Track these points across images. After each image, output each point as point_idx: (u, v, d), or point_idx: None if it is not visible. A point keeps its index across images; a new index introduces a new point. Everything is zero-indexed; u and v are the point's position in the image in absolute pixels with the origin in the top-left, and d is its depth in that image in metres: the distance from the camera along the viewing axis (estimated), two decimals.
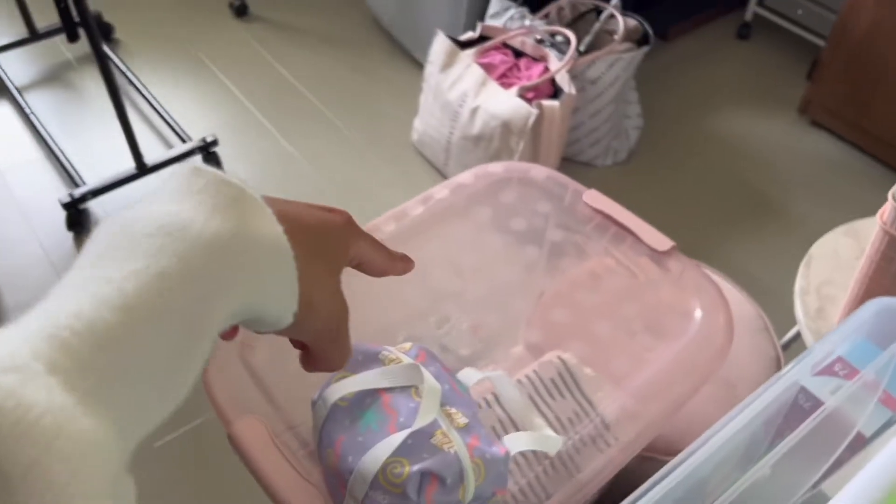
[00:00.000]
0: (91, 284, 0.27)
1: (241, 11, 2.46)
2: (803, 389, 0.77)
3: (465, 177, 0.96)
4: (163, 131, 2.04)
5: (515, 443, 0.64)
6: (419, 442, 0.57)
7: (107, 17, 2.32)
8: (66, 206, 1.73)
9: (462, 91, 1.75)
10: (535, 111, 1.64)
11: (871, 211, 1.03)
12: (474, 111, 1.73)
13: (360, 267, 0.44)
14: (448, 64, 1.80)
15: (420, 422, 0.57)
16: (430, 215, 0.90)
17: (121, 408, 0.26)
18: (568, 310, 0.88)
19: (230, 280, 0.31)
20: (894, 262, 0.91)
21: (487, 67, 1.78)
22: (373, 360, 0.64)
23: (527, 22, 1.86)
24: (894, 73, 1.84)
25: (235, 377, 0.69)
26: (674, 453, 0.58)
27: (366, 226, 0.88)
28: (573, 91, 1.71)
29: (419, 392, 0.60)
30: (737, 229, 1.86)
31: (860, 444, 0.76)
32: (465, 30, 1.95)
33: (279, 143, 2.05)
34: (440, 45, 1.81)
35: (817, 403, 0.78)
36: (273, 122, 2.10)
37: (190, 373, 0.30)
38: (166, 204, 0.32)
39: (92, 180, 1.79)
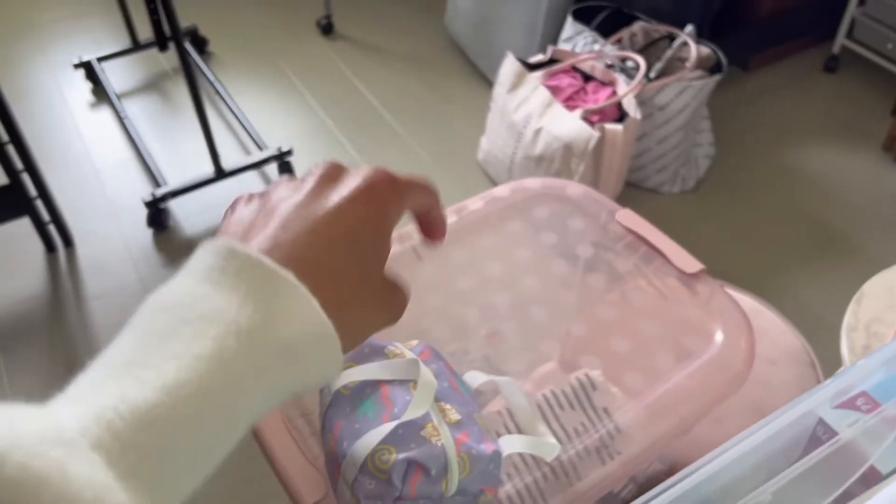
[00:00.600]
0: (135, 368, 0.30)
1: (327, 30, 2.57)
2: (821, 421, 0.75)
3: (502, 190, 0.99)
4: (243, 139, 2.15)
5: (510, 444, 0.66)
6: (409, 433, 0.60)
7: (203, 32, 2.47)
8: (147, 204, 1.85)
9: (527, 112, 1.78)
10: (596, 134, 1.64)
11: None
12: (537, 132, 1.75)
13: (416, 216, 0.43)
14: (516, 85, 1.83)
15: (411, 413, 0.60)
16: (462, 225, 0.93)
17: (158, 483, 0.28)
18: (591, 326, 0.89)
19: (264, 364, 0.32)
20: None
21: (554, 90, 1.79)
22: (378, 353, 0.67)
23: (597, 46, 1.87)
24: None
25: None
26: None
27: (397, 231, 0.92)
28: (638, 116, 1.71)
29: (416, 386, 0.63)
30: (804, 265, 1.80)
31: (875, 479, 0.74)
32: (538, 53, 1.98)
33: (350, 155, 2.12)
34: (509, 66, 1.85)
35: (834, 436, 0.76)
36: (346, 135, 2.18)
37: (224, 450, 0.32)
38: (202, 284, 0.33)
39: (173, 181, 1.91)
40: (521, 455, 0.70)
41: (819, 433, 0.78)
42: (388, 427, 0.59)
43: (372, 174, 0.38)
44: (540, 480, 0.68)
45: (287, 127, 2.21)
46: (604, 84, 1.83)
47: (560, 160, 1.72)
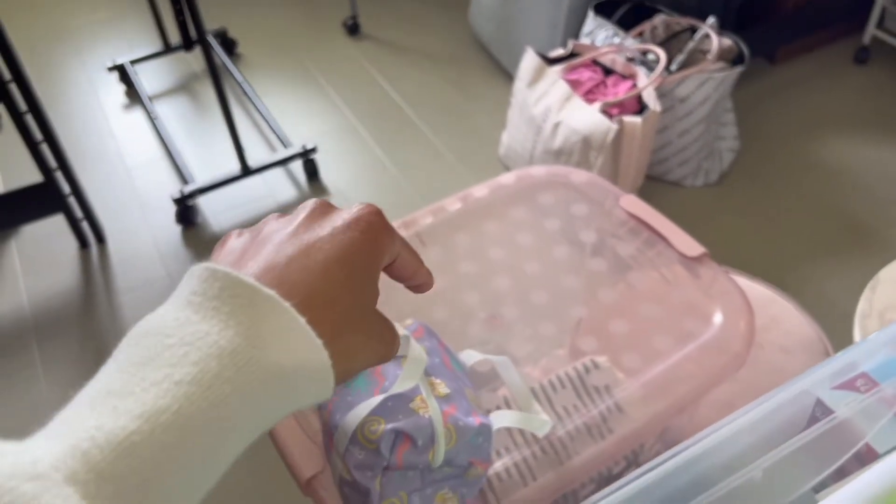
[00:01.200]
0: (113, 398, 0.29)
1: (353, 30, 2.60)
2: (819, 402, 0.75)
3: (507, 178, 1.00)
4: (269, 137, 2.19)
5: (501, 419, 0.67)
6: (398, 405, 0.61)
7: (232, 33, 2.52)
8: (176, 201, 1.90)
9: (546, 106, 1.78)
10: (615, 126, 1.64)
11: None
12: (556, 126, 1.75)
13: (390, 268, 0.41)
14: (535, 79, 1.84)
15: (399, 387, 0.61)
16: (467, 211, 0.95)
17: None
18: (593, 309, 0.89)
19: (249, 386, 0.31)
20: None
21: (574, 83, 1.80)
22: None
23: (616, 40, 1.87)
24: None
25: None
26: None
27: (403, 218, 0.94)
28: (658, 108, 1.71)
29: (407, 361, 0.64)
30: (827, 257, 1.77)
31: (871, 458, 0.73)
32: (560, 48, 1.98)
33: (375, 152, 2.15)
34: (529, 61, 1.85)
35: (830, 414, 0.76)
36: (371, 133, 2.21)
37: (214, 473, 0.31)
38: (184, 310, 0.32)
39: (201, 179, 1.95)
40: (516, 433, 0.71)
41: (817, 413, 0.77)
42: (377, 399, 0.61)
43: (365, 208, 0.38)
44: (530, 458, 0.69)
45: (312, 126, 2.25)
46: (624, 77, 1.83)
47: (579, 153, 1.73)
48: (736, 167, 2.02)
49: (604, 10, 1.98)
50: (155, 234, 1.93)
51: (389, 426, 0.59)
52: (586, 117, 1.70)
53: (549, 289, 0.88)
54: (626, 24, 1.94)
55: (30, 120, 1.66)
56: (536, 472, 0.69)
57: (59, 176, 1.78)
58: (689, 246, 0.88)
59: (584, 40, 1.99)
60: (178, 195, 1.89)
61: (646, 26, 1.92)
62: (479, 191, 0.97)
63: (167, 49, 2.44)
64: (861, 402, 0.76)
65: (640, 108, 1.75)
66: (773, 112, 2.18)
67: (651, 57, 1.83)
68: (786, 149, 2.06)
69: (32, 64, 2.45)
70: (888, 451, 0.75)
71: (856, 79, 2.27)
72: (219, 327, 0.31)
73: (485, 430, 0.63)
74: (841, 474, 0.72)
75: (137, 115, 2.31)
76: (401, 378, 0.62)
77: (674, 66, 1.81)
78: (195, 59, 2.49)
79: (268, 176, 2.05)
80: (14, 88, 1.60)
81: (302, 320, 0.33)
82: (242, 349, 0.31)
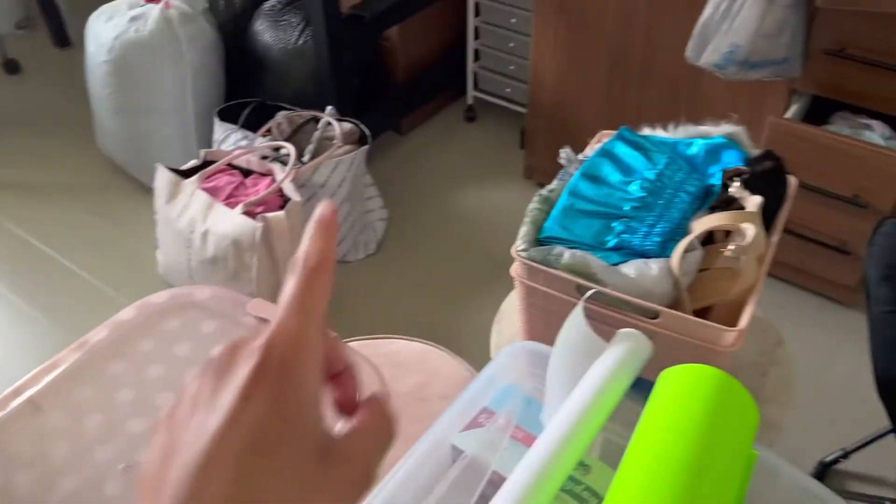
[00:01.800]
0: None
1: None
2: (454, 448, 0.82)
3: (126, 312, 0.97)
4: None
5: None
6: None
7: None
8: None
9: (190, 218, 1.77)
10: (259, 225, 1.68)
11: None
12: (205, 235, 1.74)
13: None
14: (173, 195, 1.81)
15: None
16: (88, 359, 0.90)
17: None
18: None
19: None
20: (538, 307, 1.01)
21: (213, 191, 1.81)
22: None
23: (245, 142, 1.92)
24: (583, 131, 2.08)
25: None
26: None
27: (13, 387, 0.86)
28: (299, 199, 1.78)
29: None
30: (481, 296, 1.98)
31: (501, 482, 0.82)
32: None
33: (14, 304, 1.94)
34: (162, 177, 1.83)
35: (460, 454, 0.84)
36: (8, 287, 2.00)
37: None
38: None
39: None
40: None
41: (454, 457, 0.85)
42: None
43: (263, 347, 0.30)
44: None
45: None
46: (263, 175, 1.88)
47: (234, 257, 1.73)
48: (390, 234, 2.17)
49: (228, 116, 2.03)
50: None
51: None
52: (231, 221, 1.71)
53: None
54: (253, 124, 2.01)
55: None
56: None
57: None
58: None
59: (219, 147, 2.02)
60: None
61: (272, 124, 2.00)
62: (98, 333, 0.93)
63: None
64: (484, 436, 0.85)
65: (283, 202, 1.81)
66: (410, 177, 2.39)
67: (283, 152, 1.91)
68: (427, 207, 2.27)
69: None
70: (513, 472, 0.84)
71: (469, 135, 2.59)
72: None
73: None
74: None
75: None
76: None
77: (306, 157, 1.91)
78: None
79: None
80: None
81: None
82: None
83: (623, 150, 1.02)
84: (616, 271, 0.89)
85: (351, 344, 1.28)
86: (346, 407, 0.34)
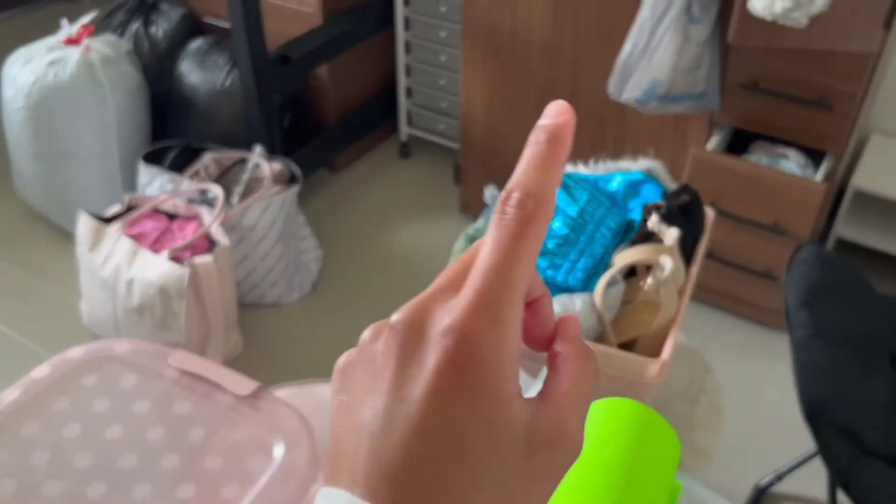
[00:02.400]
0: None
1: None
2: None
3: (41, 370, 0.92)
4: None
5: None
6: None
7: None
8: None
9: (115, 266, 1.71)
10: (186, 270, 1.64)
11: None
12: (130, 283, 1.69)
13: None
14: (96, 242, 1.76)
15: None
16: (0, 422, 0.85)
17: None
18: (155, 483, 0.86)
19: None
20: None
21: (138, 237, 1.76)
22: None
23: (170, 186, 1.88)
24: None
25: None
26: None
27: None
28: (227, 242, 1.75)
29: None
30: None
31: None
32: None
33: None
34: (84, 224, 1.77)
35: None
36: None
37: None
38: None
39: None
40: None
41: None
42: None
43: (458, 331, 0.26)
44: None
45: None
46: (189, 219, 1.84)
47: (161, 305, 1.68)
48: (325, 274, 2.15)
49: (154, 159, 1.98)
50: None
51: None
52: (157, 268, 1.67)
53: (106, 477, 0.82)
54: (180, 167, 1.97)
55: None
56: None
57: None
58: (242, 385, 0.90)
59: (146, 191, 1.97)
60: None
61: (199, 166, 1.96)
62: (10, 394, 0.88)
63: None
64: None
65: (211, 245, 1.77)
66: (345, 215, 2.37)
67: (211, 194, 1.87)
68: (363, 245, 2.26)
69: None
70: None
71: (404, 171, 2.59)
72: None
73: None
74: None
75: None
76: None
77: (234, 199, 1.88)
78: None
79: None
80: None
81: None
82: None
83: None
84: None
85: (286, 390, 1.25)
86: (539, 341, 0.30)
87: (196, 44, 2.27)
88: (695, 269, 0.96)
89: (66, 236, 2.22)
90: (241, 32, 1.92)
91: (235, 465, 0.83)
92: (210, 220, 1.78)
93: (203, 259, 1.67)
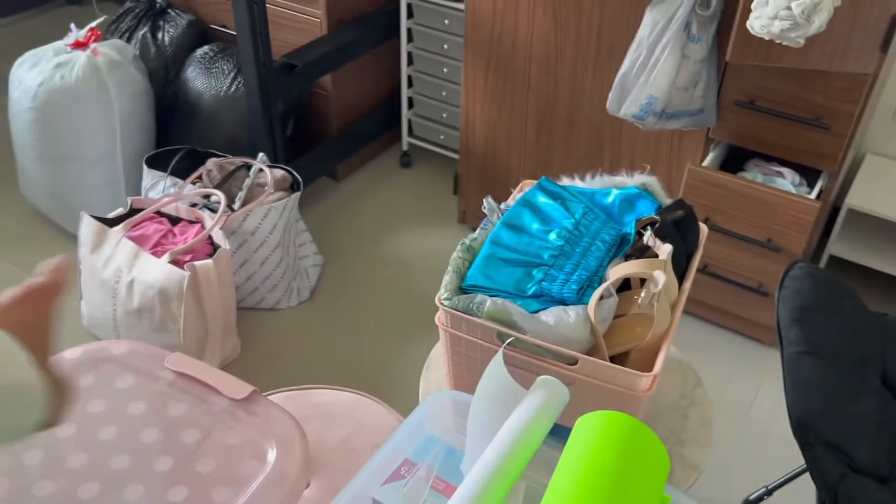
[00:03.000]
0: None
1: None
2: (375, 502, 0.81)
3: None
4: None
5: None
6: None
7: None
8: None
9: (116, 268, 1.73)
10: (187, 273, 1.65)
11: None
12: (130, 285, 1.70)
13: None
14: (98, 244, 1.77)
15: None
16: None
17: None
18: (147, 485, 0.87)
19: None
20: (462, 355, 1.02)
21: (140, 239, 1.77)
22: None
23: (174, 189, 1.90)
24: (513, 177, 2.12)
25: None
26: None
27: None
28: (227, 246, 1.76)
29: None
30: (414, 345, 1.98)
31: None
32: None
33: None
34: (87, 226, 1.79)
35: None
36: None
37: None
38: None
39: None
40: None
41: None
42: None
43: None
44: None
45: None
46: (192, 223, 1.86)
47: (160, 307, 1.69)
48: (324, 280, 2.16)
49: (158, 163, 2.00)
50: None
51: None
52: (157, 270, 1.68)
53: (98, 477, 0.83)
54: (183, 171, 1.99)
55: None
56: None
57: None
58: (237, 388, 0.91)
59: (149, 195, 1.99)
60: None
61: (202, 171, 1.98)
62: None
63: None
64: (405, 488, 0.85)
65: (212, 250, 1.79)
66: (345, 222, 2.39)
67: (213, 199, 1.89)
68: (363, 253, 2.28)
69: None
70: None
71: (405, 180, 2.61)
72: None
73: None
74: None
75: None
76: None
77: (236, 204, 1.90)
78: None
79: None
80: None
81: None
82: None
83: (542, 200, 1.05)
84: (536, 319, 0.91)
85: (281, 395, 1.27)
86: None
87: (202, 50, 2.30)
88: (688, 283, 0.97)
89: (69, 238, 2.24)
90: (247, 40, 1.94)
91: (228, 468, 0.84)
92: (211, 224, 1.79)
93: (203, 263, 1.69)
